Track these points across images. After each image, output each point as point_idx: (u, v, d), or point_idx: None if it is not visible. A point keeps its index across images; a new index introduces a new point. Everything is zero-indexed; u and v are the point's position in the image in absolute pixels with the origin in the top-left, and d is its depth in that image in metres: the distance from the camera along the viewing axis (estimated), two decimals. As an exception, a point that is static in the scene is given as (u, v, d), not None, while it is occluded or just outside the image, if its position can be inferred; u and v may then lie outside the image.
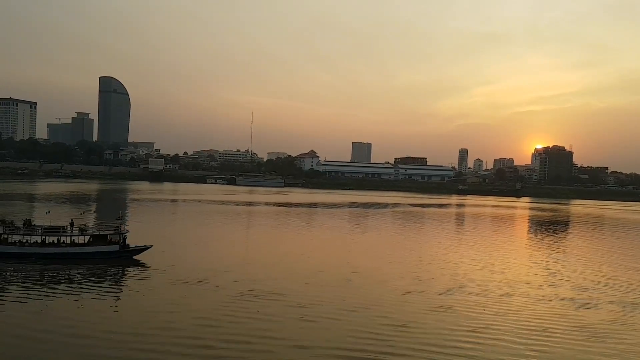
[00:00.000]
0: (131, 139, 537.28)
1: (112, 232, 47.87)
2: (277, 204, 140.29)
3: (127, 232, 48.58)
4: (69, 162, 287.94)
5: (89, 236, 46.88)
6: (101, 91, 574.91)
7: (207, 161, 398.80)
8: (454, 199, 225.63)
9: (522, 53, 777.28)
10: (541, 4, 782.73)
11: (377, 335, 28.21)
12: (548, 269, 52.54)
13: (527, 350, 27.06)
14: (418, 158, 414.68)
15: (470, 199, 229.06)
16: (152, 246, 48.36)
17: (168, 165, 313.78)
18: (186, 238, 63.18)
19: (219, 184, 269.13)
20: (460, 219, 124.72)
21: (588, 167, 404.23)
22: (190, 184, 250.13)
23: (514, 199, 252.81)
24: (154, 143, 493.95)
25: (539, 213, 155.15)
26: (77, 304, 32.40)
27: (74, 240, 46.32)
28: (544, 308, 35.98)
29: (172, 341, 26.30)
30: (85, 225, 47.72)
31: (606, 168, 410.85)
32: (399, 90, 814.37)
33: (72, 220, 48.52)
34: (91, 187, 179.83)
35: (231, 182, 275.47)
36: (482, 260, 55.54)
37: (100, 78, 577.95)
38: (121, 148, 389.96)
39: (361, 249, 61.15)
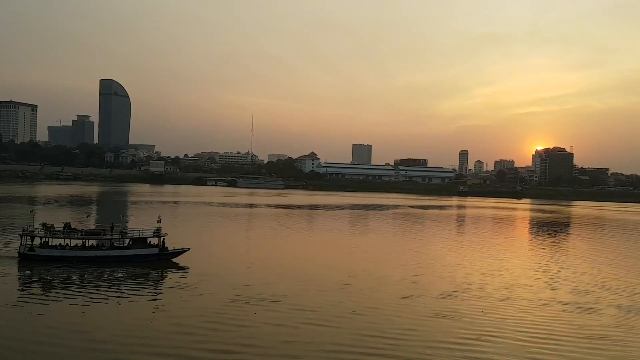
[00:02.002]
0: (132, 141, 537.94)
1: (151, 235, 48.43)
2: (278, 206, 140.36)
3: (166, 235, 49.06)
4: (69, 164, 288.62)
5: (128, 239, 47.50)
6: (102, 94, 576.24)
7: (208, 163, 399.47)
8: (455, 201, 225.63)
9: (522, 54, 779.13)
10: (542, 4, 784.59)
11: (373, 341, 27.87)
12: (549, 271, 52.34)
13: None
14: (418, 160, 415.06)
15: (471, 201, 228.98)
16: (189, 249, 49.13)
17: (169, 168, 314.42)
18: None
19: (220, 185, 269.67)
20: (460, 220, 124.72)
21: (588, 168, 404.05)
22: (190, 186, 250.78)
23: (515, 200, 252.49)
24: (154, 145, 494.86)
25: (539, 214, 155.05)
26: (116, 307, 32.91)
27: (113, 243, 46.87)
28: (546, 313, 35.46)
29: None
30: (125, 229, 47.83)
31: (607, 169, 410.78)
32: (399, 91, 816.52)
33: (112, 223, 48.74)
34: (92, 189, 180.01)
35: (231, 184, 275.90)
36: (482, 263, 55.37)
37: (101, 80, 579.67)
38: (122, 150, 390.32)
39: (360, 251, 61.03)
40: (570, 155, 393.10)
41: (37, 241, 45.73)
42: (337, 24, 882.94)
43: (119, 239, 47.15)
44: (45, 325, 28.64)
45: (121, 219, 53.57)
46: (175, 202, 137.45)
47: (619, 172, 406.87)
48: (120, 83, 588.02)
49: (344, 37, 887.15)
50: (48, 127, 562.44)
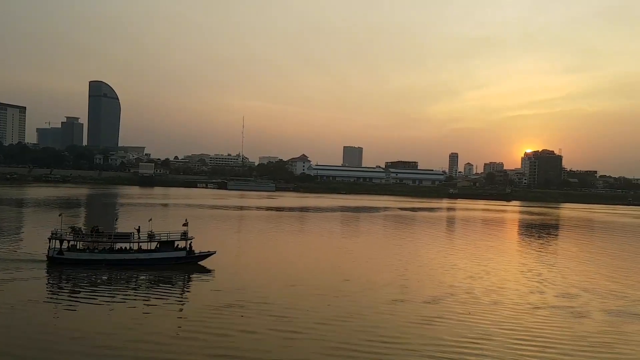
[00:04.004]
0: (121, 143, 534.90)
1: (179, 238, 48.68)
2: (269, 209, 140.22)
3: (193, 238, 49.27)
4: (58, 166, 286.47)
5: (156, 242, 47.75)
6: (91, 95, 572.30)
7: (198, 165, 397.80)
8: (445, 203, 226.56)
9: (513, 57, 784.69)
10: (533, 9, 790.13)
11: (359, 348, 27.59)
12: (537, 274, 52.55)
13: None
14: (409, 162, 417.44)
15: (461, 203, 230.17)
16: (215, 252, 49.51)
17: (158, 170, 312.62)
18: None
19: (210, 188, 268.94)
20: (450, 223, 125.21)
21: (577, 171, 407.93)
22: (181, 188, 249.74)
23: (504, 202, 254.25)
24: (144, 147, 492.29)
25: (528, 217, 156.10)
26: (143, 310, 33.36)
27: (141, 246, 47.19)
28: (535, 317, 35.37)
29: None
30: (152, 232, 48.09)
31: (595, 172, 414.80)
32: (391, 94, 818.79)
33: (139, 226, 49.07)
34: (81, 192, 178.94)
35: (222, 186, 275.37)
36: (471, 265, 55.62)
37: (90, 82, 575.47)
38: (111, 152, 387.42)
39: (350, 255, 61.13)
40: (559, 157, 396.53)
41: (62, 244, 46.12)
42: (330, 27, 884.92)
43: (147, 242, 47.37)
44: (72, 328, 29.11)
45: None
46: (165, 205, 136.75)
47: (608, 175, 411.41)
48: (110, 85, 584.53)
49: (337, 40, 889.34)
50: (37, 129, 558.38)
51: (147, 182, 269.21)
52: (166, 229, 50.56)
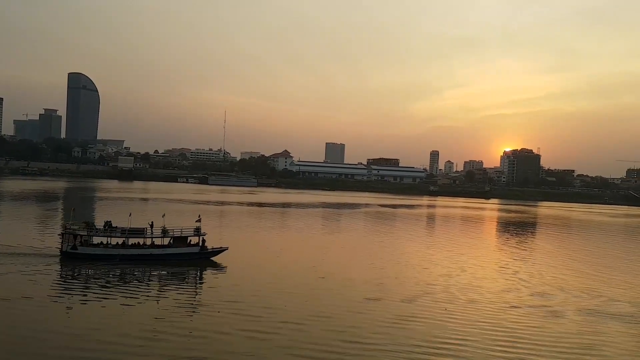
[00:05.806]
0: (100, 136, 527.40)
1: (192, 234, 48.55)
2: (250, 204, 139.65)
3: (205, 234, 49.16)
4: (36, 159, 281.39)
5: (169, 238, 47.62)
6: (70, 87, 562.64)
7: (179, 160, 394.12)
8: (425, 200, 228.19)
9: (494, 57, 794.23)
10: (514, 9, 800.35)
11: (333, 348, 27.16)
12: (515, 273, 52.82)
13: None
14: (390, 159, 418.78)
15: (441, 200, 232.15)
16: (227, 248, 49.69)
17: (138, 164, 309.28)
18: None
19: (191, 183, 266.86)
20: (429, 220, 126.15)
21: (555, 169, 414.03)
22: (161, 182, 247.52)
23: (483, 200, 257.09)
24: (123, 141, 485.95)
25: (506, 215, 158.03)
26: (157, 307, 33.31)
27: (154, 241, 47.02)
28: (512, 316, 35.34)
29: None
30: (165, 227, 47.75)
31: (573, 171, 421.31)
32: (373, 92, 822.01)
33: (152, 222, 48.58)
34: (59, 185, 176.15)
35: (203, 181, 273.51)
36: (449, 263, 55.81)
37: (69, 74, 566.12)
38: (90, 145, 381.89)
39: (328, 252, 61.04)
40: (538, 156, 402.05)
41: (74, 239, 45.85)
42: (314, 25, 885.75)
43: (161, 237, 47.24)
44: (85, 321, 29.07)
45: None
46: (145, 199, 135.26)
47: (585, 174, 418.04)
48: (89, 77, 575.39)
49: (320, 38, 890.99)
50: (14, 120, 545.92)
51: (126, 176, 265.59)
52: (175, 224, 50.27)
